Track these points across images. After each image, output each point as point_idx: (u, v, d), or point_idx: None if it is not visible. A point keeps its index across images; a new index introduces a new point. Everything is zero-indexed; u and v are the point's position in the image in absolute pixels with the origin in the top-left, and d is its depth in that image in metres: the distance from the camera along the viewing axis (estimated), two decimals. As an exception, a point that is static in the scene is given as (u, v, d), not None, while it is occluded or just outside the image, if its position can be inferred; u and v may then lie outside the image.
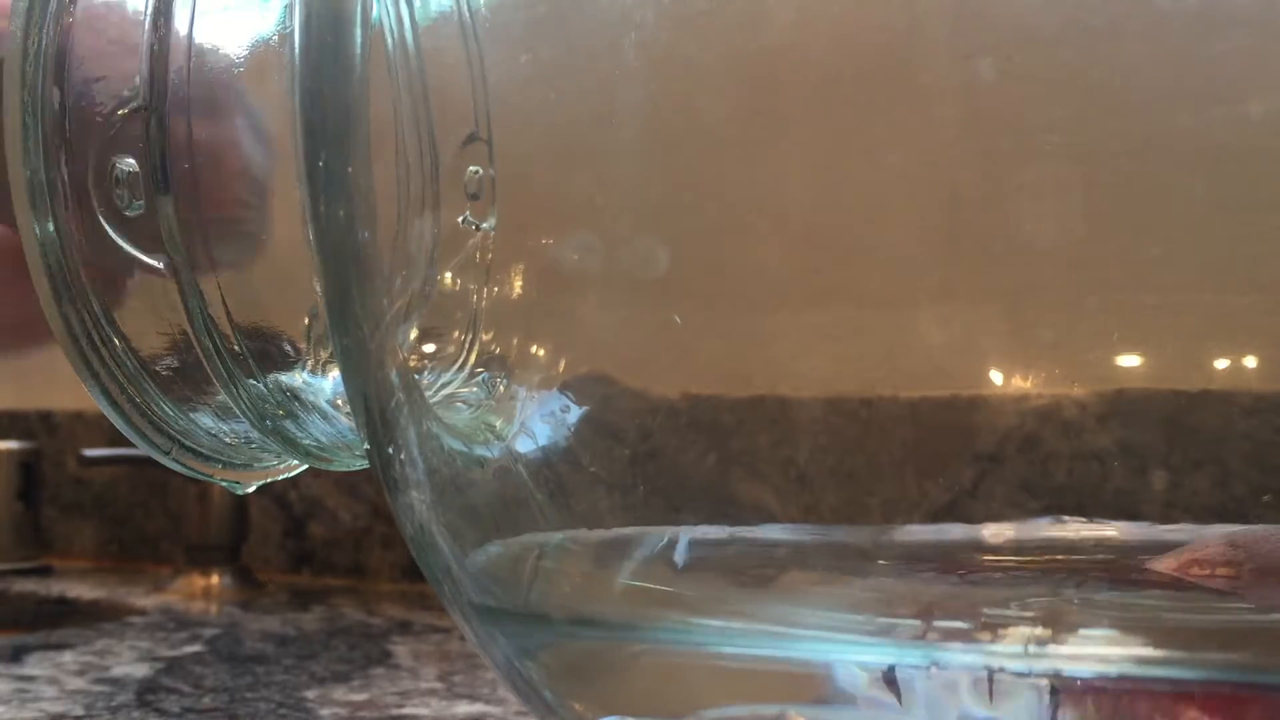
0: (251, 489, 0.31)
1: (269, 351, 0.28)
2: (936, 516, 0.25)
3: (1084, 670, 0.19)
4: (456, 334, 0.28)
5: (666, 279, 0.27)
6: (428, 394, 0.27)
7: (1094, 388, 0.27)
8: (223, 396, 0.28)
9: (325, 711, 0.50)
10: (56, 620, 0.86)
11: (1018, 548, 0.25)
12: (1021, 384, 0.27)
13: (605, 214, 0.27)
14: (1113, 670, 0.19)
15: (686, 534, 0.27)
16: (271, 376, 0.28)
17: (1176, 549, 0.24)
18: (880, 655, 0.20)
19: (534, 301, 0.28)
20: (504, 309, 0.28)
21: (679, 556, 0.26)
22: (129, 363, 0.27)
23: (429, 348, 0.28)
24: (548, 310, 0.28)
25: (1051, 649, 0.20)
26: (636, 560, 0.26)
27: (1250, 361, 0.26)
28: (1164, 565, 0.24)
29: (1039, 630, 0.21)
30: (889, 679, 0.20)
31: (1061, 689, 0.19)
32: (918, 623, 0.22)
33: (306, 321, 0.28)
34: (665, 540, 0.27)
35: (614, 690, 0.23)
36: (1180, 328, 0.26)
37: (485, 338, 0.28)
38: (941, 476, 0.27)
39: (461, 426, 0.27)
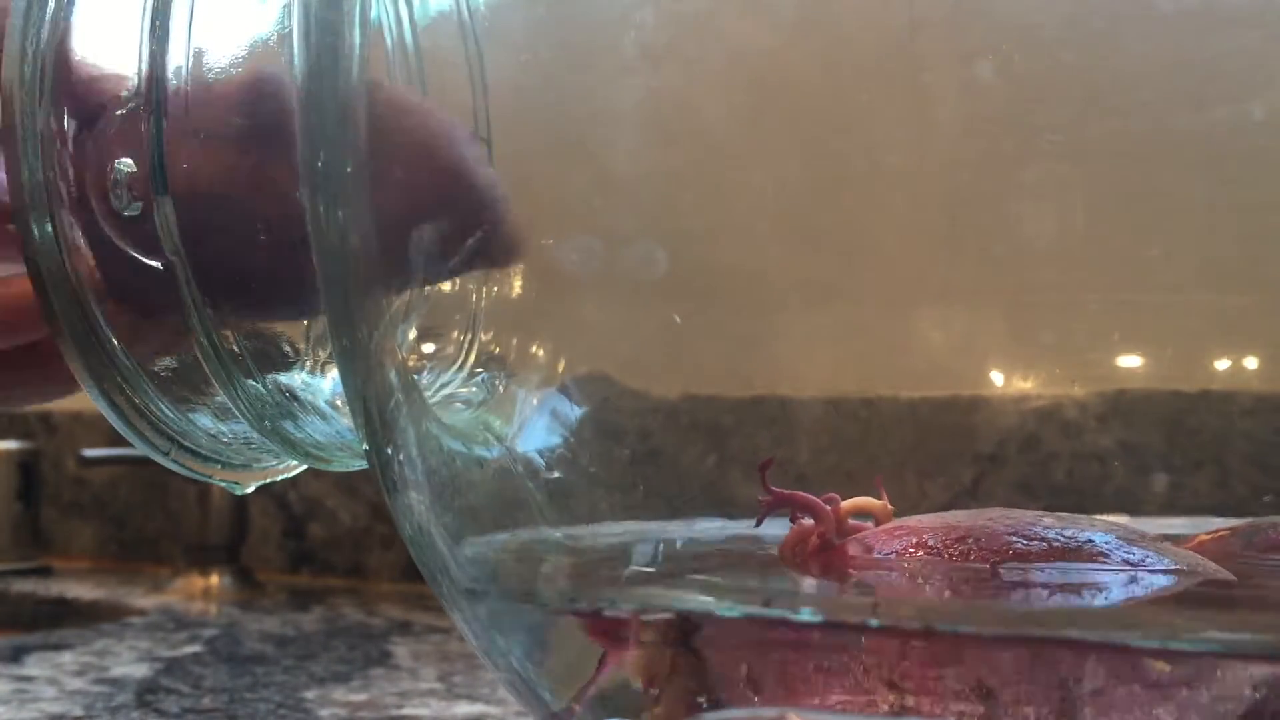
0: (250, 489, 0.31)
1: (267, 352, 0.28)
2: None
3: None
4: (455, 334, 0.28)
5: (666, 279, 0.27)
6: (427, 394, 0.27)
7: (1094, 388, 0.27)
8: (221, 397, 0.28)
9: (325, 712, 0.50)
10: (56, 620, 0.86)
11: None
12: (1022, 384, 0.27)
13: (605, 214, 0.27)
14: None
15: (686, 527, 0.27)
16: (270, 377, 0.28)
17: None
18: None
19: (533, 301, 0.28)
20: (503, 309, 0.28)
21: (678, 547, 0.26)
22: (127, 363, 0.27)
23: (428, 348, 0.28)
24: (547, 310, 0.28)
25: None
26: (639, 554, 0.26)
27: (1250, 362, 0.26)
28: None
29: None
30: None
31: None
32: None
33: (305, 322, 0.28)
34: (666, 533, 0.27)
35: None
36: (1180, 328, 0.26)
37: (484, 338, 0.28)
38: (941, 476, 0.27)
39: (461, 427, 0.27)
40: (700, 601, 0.22)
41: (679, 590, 0.24)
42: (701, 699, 0.21)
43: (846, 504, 0.24)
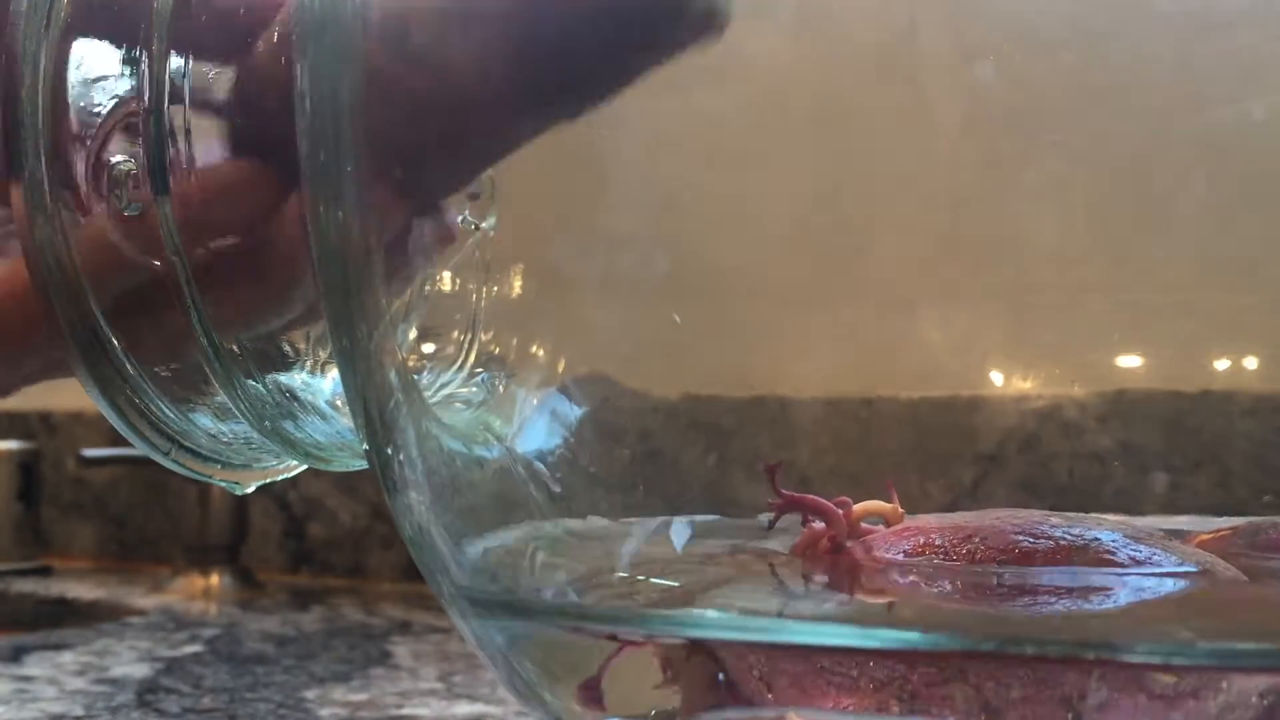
0: (250, 489, 0.31)
1: (268, 352, 0.28)
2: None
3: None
4: (455, 334, 0.28)
5: (666, 279, 0.27)
6: (427, 394, 0.27)
7: (1094, 388, 0.27)
8: (221, 397, 0.28)
9: (325, 712, 0.50)
10: (56, 620, 0.86)
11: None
12: (1021, 384, 0.27)
13: (605, 214, 0.27)
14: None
15: (682, 524, 0.27)
16: (270, 377, 0.28)
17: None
18: (881, 644, 0.20)
19: (534, 301, 0.28)
20: (503, 309, 0.28)
21: (677, 543, 0.26)
22: (127, 363, 0.27)
23: (428, 348, 0.28)
24: (547, 310, 0.28)
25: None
26: (633, 552, 0.26)
27: (1250, 362, 0.26)
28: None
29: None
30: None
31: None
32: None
33: (305, 322, 0.28)
34: (660, 528, 0.27)
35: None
36: (1180, 328, 0.26)
37: (484, 337, 0.28)
38: (942, 476, 0.27)
39: (460, 427, 0.27)
40: (709, 621, 0.22)
41: (688, 609, 0.24)
42: (720, 675, 0.21)
43: (858, 507, 0.24)
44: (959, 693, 0.19)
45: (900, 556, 0.23)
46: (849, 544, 0.24)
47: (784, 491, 0.24)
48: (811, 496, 0.24)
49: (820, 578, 0.24)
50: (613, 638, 0.22)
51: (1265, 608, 0.23)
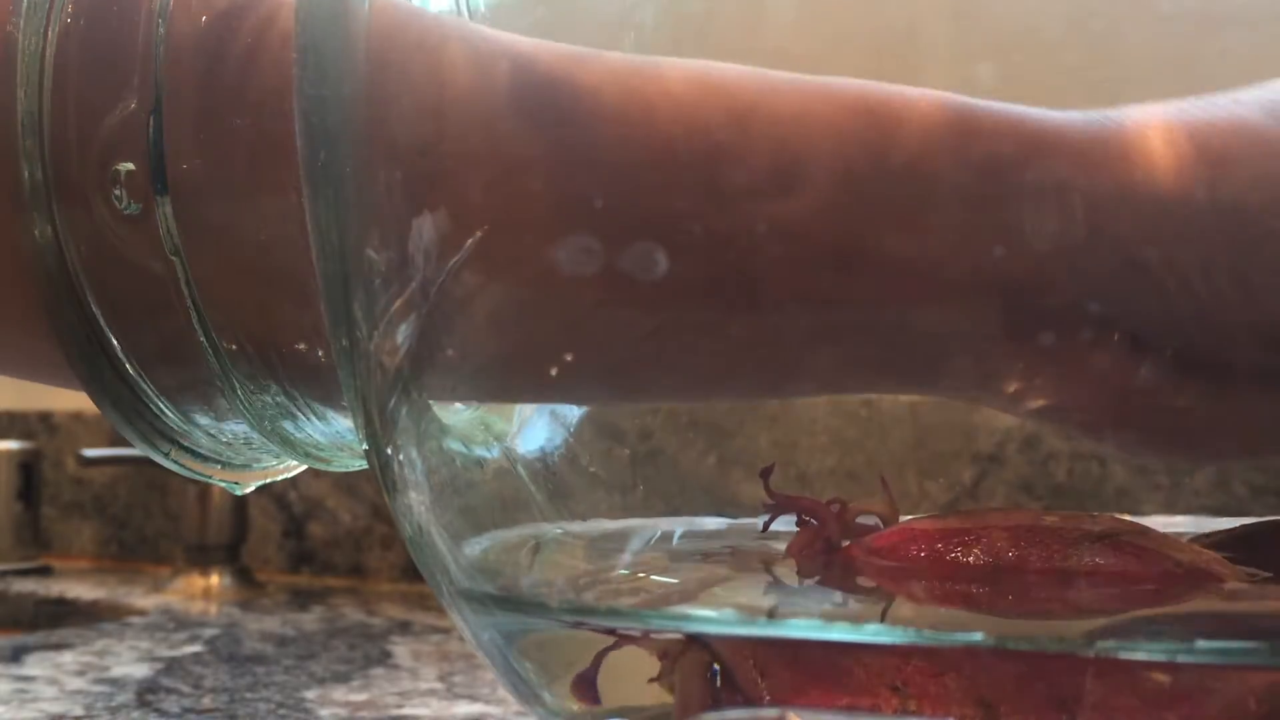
0: (250, 489, 0.31)
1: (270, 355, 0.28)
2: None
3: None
4: (456, 334, 0.28)
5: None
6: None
7: (1094, 388, 0.27)
8: (221, 397, 0.28)
9: (325, 711, 0.50)
10: (56, 620, 0.86)
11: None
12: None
13: (605, 214, 0.27)
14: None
15: (683, 525, 0.27)
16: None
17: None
18: (875, 639, 0.20)
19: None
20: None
21: (675, 546, 0.26)
22: (128, 363, 0.27)
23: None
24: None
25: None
26: (633, 551, 0.26)
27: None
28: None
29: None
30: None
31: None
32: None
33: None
34: (661, 532, 0.27)
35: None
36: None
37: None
38: (941, 476, 0.27)
39: (460, 427, 0.27)
40: (706, 618, 0.22)
41: (685, 606, 0.24)
42: (715, 668, 0.21)
43: (852, 506, 0.24)
44: (954, 685, 0.19)
45: (894, 556, 0.23)
46: (844, 544, 0.24)
47: (776, 493, 0.24)
48: (804, 498, 0.24)
49: (815, 576, 0.24)
50: (612, 633, 0.22)
51: (1264, 607, 0.23)
